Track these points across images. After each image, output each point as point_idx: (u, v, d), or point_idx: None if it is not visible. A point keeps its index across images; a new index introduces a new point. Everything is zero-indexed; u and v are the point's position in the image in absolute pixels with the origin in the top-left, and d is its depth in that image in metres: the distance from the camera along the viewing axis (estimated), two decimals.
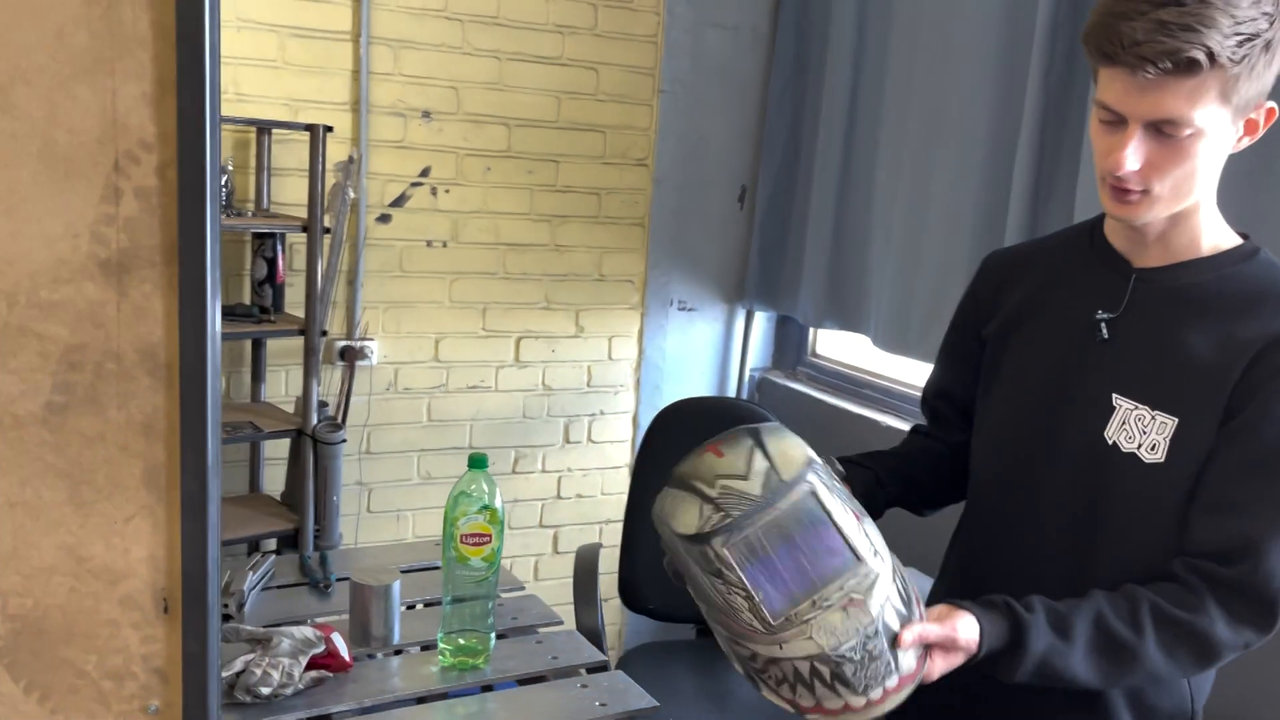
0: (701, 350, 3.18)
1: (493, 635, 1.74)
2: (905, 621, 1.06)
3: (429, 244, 2.76)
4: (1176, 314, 1.15)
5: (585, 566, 2.24)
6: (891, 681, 1.06)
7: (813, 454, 1.11)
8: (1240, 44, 1.02)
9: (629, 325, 3.06)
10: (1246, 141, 1.12)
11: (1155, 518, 1.14)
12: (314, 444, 2.37)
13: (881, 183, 2.64)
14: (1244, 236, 1.20)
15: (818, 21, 2.89)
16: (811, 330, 3.17)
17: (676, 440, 2.44)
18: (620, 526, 2.49)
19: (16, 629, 0.74)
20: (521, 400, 2.95)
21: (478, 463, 1.69)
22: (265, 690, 1.53)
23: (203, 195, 0.68)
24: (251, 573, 1.90)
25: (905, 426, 2.61)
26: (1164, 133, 1.06)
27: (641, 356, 3.08)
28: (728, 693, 2.19)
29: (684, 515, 1.07)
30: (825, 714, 1.07)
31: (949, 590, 1.34)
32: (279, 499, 2.57)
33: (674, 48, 2.94)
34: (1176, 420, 1.12)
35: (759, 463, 1.07)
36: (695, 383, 3.15)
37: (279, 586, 1.99)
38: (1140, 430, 1.14)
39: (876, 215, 2.67)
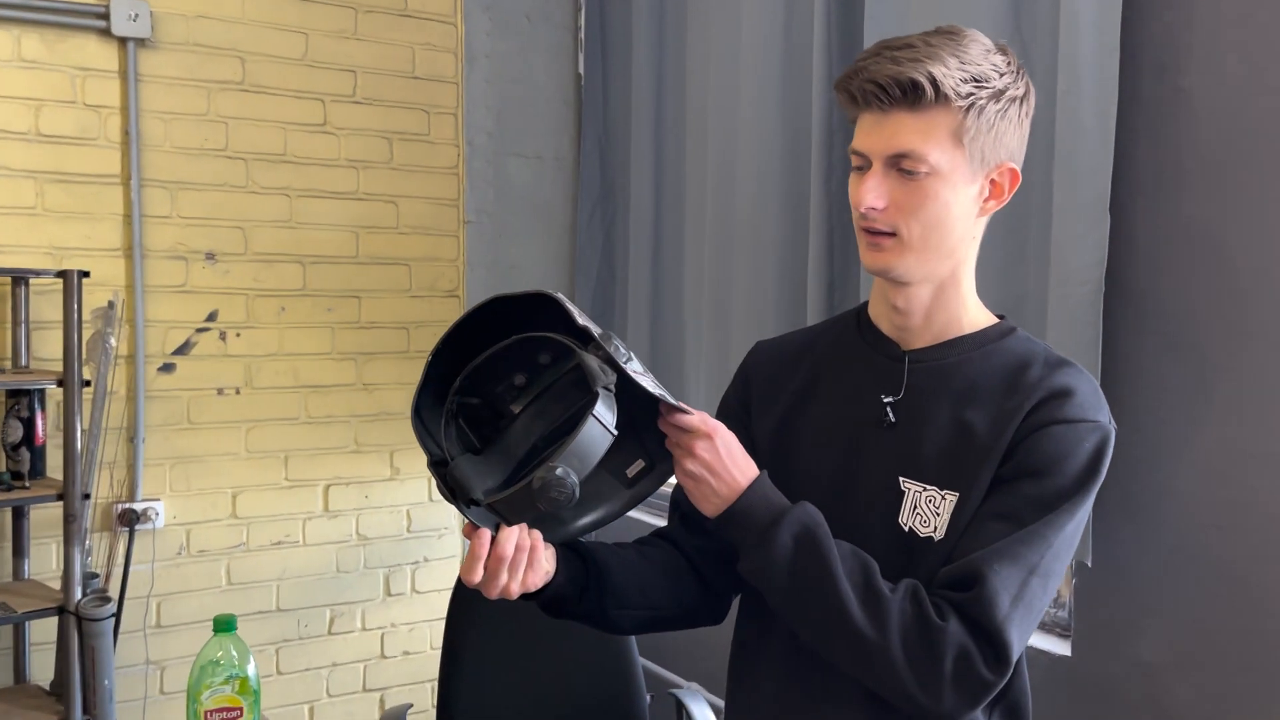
0: None
1: None
2: None
3: (220, 392, 2.58)
4: (951, 392, 1.14)
5: None
6: None
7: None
8: (965, 82, 1.06)
9: None
10: (994, 206, 1.13)
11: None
12: (78, 622, 2.11)
13: (689, 300, 2.61)
14: (1000, 318, 1.20)
15: (619, 145, 2.90)
16: None
17: None
18: None
19: None
20: (334, 553, 2.74)
21: (224, 626, 1.50)
22: None
23: None
24: None
25: None
26: (903, 169, 1.08)
27: None
28: None
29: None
30: None
31: (760, 693, 1.23)
32: (48, 689, 2.28)
33: (476, 178, 2.89)
34: (958, 495, 1.10)
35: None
36: None
37: None
38: (933, 511, 1.11)
39: (688, 332, 2.63)
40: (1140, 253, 1.54)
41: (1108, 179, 1.51)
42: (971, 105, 1.07)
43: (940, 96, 1.06)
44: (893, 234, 1.10)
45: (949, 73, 1.06)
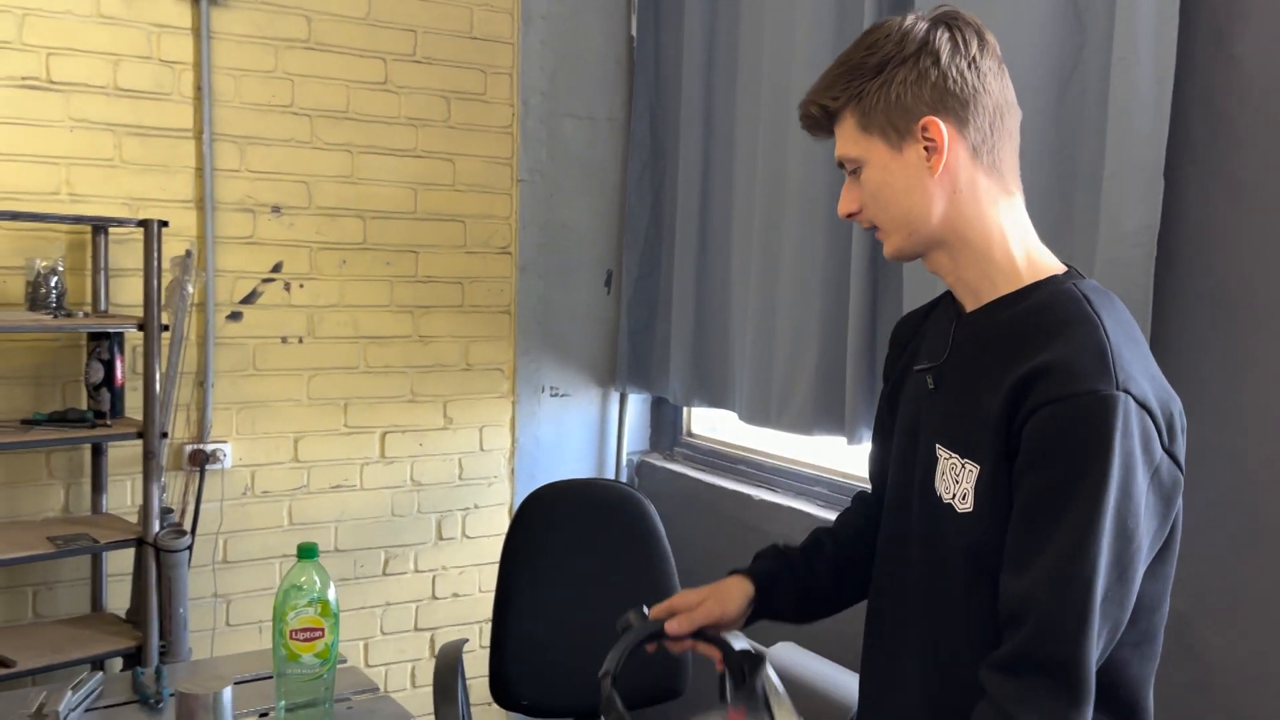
0: (577, 436, 3.13)
1: None
2: None
3: (284, 340, 2.68)
4: (979, 356, 1.13)
5: (446, 663, 2.13)
6: None
7: None
8: (833, 86, 1.16)
9: (500, 414, 3.00)
10: (940, 159, 1.12)
11: (987, 569, 1.08)
12: (156, 553, 2.23)
13: (736, 260, 2.67)
14: (1066, 269, 1.16)
15: (669, 107, 2.95)
16: (685, 410, 3.15)
17: (545, 526, 2.37)
18: None
19: None
20: (389, 498, 2.85)
21: (307, 553, 1.60)
22: None
23: None
24: (72, 692, 1.75)
25: (783, 502, 2.59)
26: (852, 174, 1.19)
27: (515, 445, 3.02)
28: None
29: None
30: None
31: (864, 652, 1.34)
32: (124, 617, 2.41)
33: (530, 138, 2.96)
34: (979, 467, 1.08)
35: None
36: (572, 469, 3.09)
37: (108, 706, 1.84)
38: (955, 480, 1.11)
39: (734, 292, 2.69)
40: (1190, 216, 1.59)
41: (1163, 144, 1.56)
42: (852, 97, 1.14)
43: (827, 113, 1.17)
44: (876, 226, 1.19)
45: (822, 91, 1.17)
